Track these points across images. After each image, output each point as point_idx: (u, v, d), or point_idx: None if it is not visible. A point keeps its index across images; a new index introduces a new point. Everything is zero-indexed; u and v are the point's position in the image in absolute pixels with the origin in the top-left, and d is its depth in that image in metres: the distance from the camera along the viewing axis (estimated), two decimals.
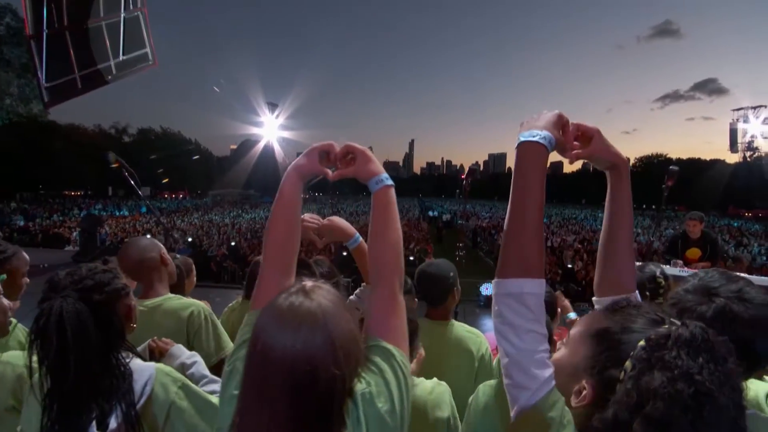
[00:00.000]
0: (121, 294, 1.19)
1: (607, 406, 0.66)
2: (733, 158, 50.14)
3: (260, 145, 56.35)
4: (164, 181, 50.93)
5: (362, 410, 0.76)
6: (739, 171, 47.81)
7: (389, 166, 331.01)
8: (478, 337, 1.83)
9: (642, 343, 0.66)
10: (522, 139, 0.88)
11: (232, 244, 16.17)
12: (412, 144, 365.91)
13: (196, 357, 1.45)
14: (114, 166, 2.34)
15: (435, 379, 1.35)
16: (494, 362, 1.87)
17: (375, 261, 0.95)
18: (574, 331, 0.82)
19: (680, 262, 4.33)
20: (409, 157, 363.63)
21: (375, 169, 1.02)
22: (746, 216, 48.56)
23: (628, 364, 0.66)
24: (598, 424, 0.66)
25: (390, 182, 1.02)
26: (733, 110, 42.90)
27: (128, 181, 2.48)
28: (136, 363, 1.13)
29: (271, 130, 52.80)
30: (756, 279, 4.05)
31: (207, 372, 1.42)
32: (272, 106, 55.41)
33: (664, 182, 4.26)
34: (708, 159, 68.35)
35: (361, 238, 1.41)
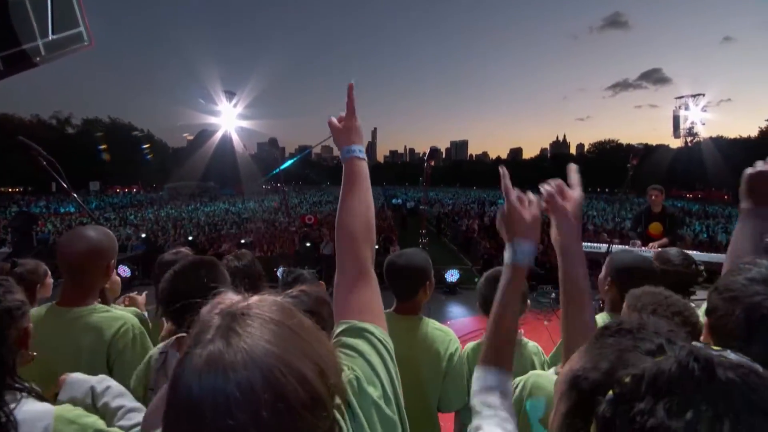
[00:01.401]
0: (14, 315, 0.93)
1: None
2: (676, 143, 53.40)
3: (218, 135, 54.26)
4: (111, 175, 48.03)
5: (355, 403, 0.64)
6: (680, 155, 51.01)
7: None
8: (448, 335, 1.75)
9: (609, 394, 0.43)
10: (510, 261, 0.94)
11: (189, 238, 15.52)
12: (374, 132, 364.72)
13: (108, 381, 1.15)
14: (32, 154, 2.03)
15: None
16: (465, 353, 1.83)
17: (340, 232, 0.88)
18: (558, 382, 0.61)
19: (639, 242, 4.46)
20: (372, 146, 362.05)
21: (351, 139, 0.98)
22: (687, 197, 52.14)
23: (592, 430, 0.44)
24: None
25: (361, 155, 0.98)
26: (676, 98, 45.69)
27: (49, 172, 2.15)
28: (28, 408, 0.87)
29: (229, 119, 50.99)
30: (705, 256, 4.28)
31: (125, 399, 1.13)
32: (230, 94, 53.50)
33: (629, 162, 4.37)
34: (654, 144, 72.64)
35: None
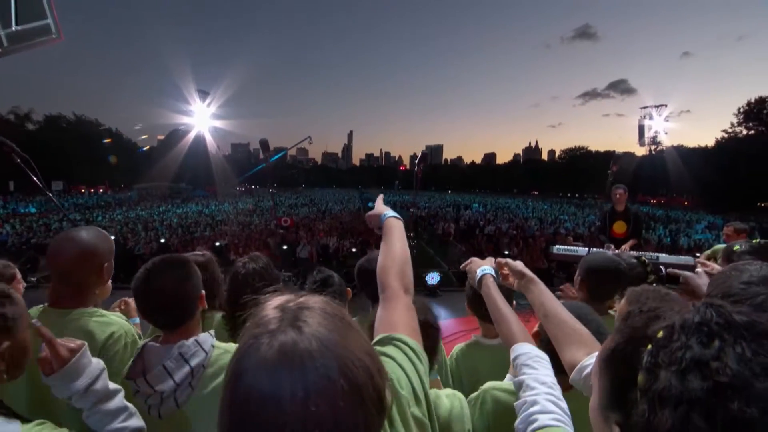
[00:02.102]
0: (9, 327, 0.88)
1: None
2: (641, 151, 55.70)
3: (191, 135, 52.75)
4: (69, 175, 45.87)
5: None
6: (645, 162, 53.16)
7: (328, 157, 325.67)
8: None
9: (649, 347, 0.52)
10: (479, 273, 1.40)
11: (162, 241, 15.04)
12: (351, 135, 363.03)
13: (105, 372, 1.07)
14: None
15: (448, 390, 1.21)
16: (454, 355, 1.86)
17: (380, 272, 1.03)
18: (594, 364, 0.71)
19: (612, 246, 4.59)
20: (348, 149, 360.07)
21: (380, 211, 1.26)
22: (652, 203, 54.51)
23: (640, 378, 0.51)
24: None
25: (393, 214, 1.23)
26: (641, 108, 47.56)
27: (23, 169, 2.07)
28: None
29: (202, 119, 49.75)
30: (671, 258, 4.50)
31: (122, 400, 1.07)
32: (203, 94, 52.19)
33: (609, 168, 4.53)
34: (621, 151, 75.29)
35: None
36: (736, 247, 1.78)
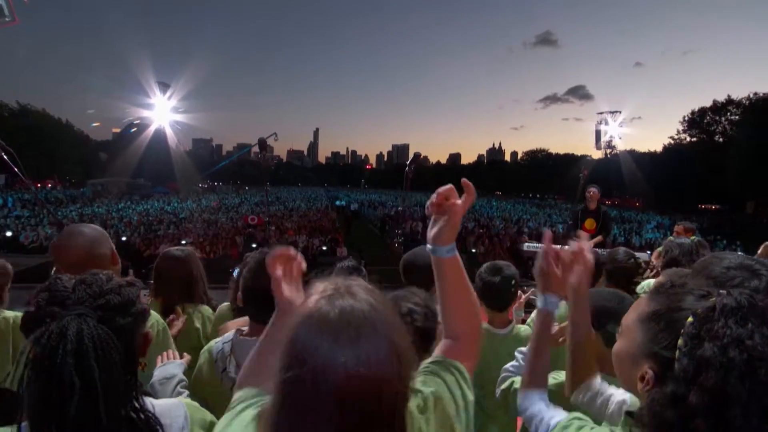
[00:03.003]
0: (144, 318, 0.91)
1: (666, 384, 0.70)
2: (597, 154, 58.62)
3: (151, 129, 50.36)
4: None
5: (423, 418, 0.73)
6: (600, 165, 56.05)
7: (294, 154, 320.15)
8: None
9: (690, 319, 0.69)
10: (542, 308, 1.14)
11: (123, 239, 14.44)
12: (316, 133, 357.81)
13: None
14: None
15: None
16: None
17: (459, 323, 0.93)
18: (626, 319, 0.88)
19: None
20: (313, 146, 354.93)
21: (453, 238, 0.92)
22: (606, 203, 57.47)
23: (680, 341, 0.69)
24: (658, 401, 0.70)
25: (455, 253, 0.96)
26: (598, 114, 50.20)
27: (7, 163, 2.06)
28: (159, 402, 0.89)
29: (162, 112, 47.69)
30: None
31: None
32: (164, 86, 50.08)
33: (580, 172, 4.83)
34: (579, 154, 78.99)
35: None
36: (671, 238, 2.17)
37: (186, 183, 51.94)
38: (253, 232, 17.10)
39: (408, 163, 4.86)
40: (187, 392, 1.26)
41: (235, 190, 68.80)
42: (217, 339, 1.45)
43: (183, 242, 12.99)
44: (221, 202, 35.15)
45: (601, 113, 49.29)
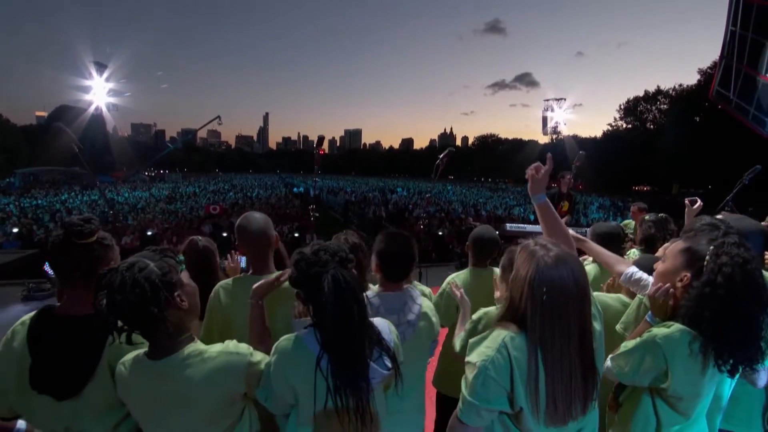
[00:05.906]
0: (353, 261, 1.35)
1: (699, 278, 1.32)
2: (544, 139, 61.73)
3: (89, 112, 46.10)
4: None
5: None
6: (547, 150, 59.00)
7: (243, 140, 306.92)
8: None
9: (712, 248, 1.33)
10: (536, 203, 1.56)
11: None
12: (266, 117, 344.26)
13: None
14: None
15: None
16: None
17: (557, 239, 1.37)
18: (668, 250, 1.50)
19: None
20: (264, 131, 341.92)
21: (540, 191, 1.55)
22: (552, 186, 60.78)
23: (707, 258, 1.32)
24: (696, 287, 1.31)
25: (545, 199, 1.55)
26: (544, 100, 52.58)
27: None
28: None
29: (98, 94, 43.99)
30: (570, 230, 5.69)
31: None
32: (100, 66, 46.28)
33: (573, 162, 5.43)
34: (527, 139, 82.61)
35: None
36: (646, 218, 2.75)
37: (130, 172, 48.49)
38: (217, 221, 16.74)
39: (441, 156, 5.35)
40: None
41: (184, 177, 65.57)
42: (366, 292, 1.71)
43: (149, 233, 12.59)
44: (173, 191, 33.59)
45: (548, 100, 51.52)
